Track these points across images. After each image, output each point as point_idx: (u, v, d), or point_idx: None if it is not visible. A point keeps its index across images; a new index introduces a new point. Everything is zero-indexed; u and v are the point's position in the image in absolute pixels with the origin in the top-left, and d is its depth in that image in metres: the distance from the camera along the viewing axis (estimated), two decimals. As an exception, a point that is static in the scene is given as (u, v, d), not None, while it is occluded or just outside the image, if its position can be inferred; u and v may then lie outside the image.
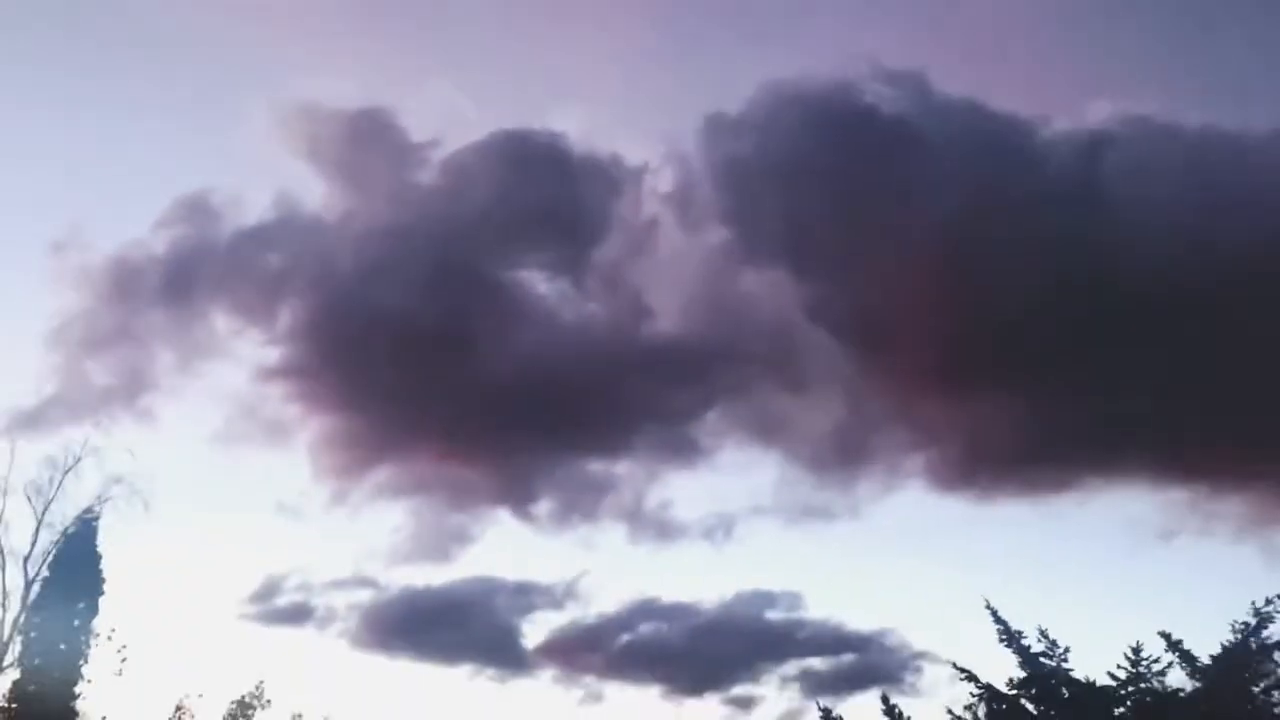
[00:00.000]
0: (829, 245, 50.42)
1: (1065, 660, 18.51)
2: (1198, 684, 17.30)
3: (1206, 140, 47.10)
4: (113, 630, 34.84)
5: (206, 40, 66.48)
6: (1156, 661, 18.20)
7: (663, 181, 55.42)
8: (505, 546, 64.46)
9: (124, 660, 34.66)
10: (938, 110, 49.51)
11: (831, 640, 52.31)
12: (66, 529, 35.25)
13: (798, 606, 54.80)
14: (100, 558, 35.34)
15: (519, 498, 54.78)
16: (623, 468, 56.63)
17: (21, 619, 34.46)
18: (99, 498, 35.75)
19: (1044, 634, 18.71)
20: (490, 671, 54.64)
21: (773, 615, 54.97)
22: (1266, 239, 41.03)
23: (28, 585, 34.80)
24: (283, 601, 53.18)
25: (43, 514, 35.47)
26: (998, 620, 18.66)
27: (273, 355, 52.38)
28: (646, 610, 55.40)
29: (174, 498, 56.09)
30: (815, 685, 50.61)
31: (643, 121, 78.14)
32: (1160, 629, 17.75)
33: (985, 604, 19.00)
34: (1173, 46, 65.69)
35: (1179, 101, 65.94)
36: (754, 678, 52.26)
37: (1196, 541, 48.26)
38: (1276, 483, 42.91)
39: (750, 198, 50.84)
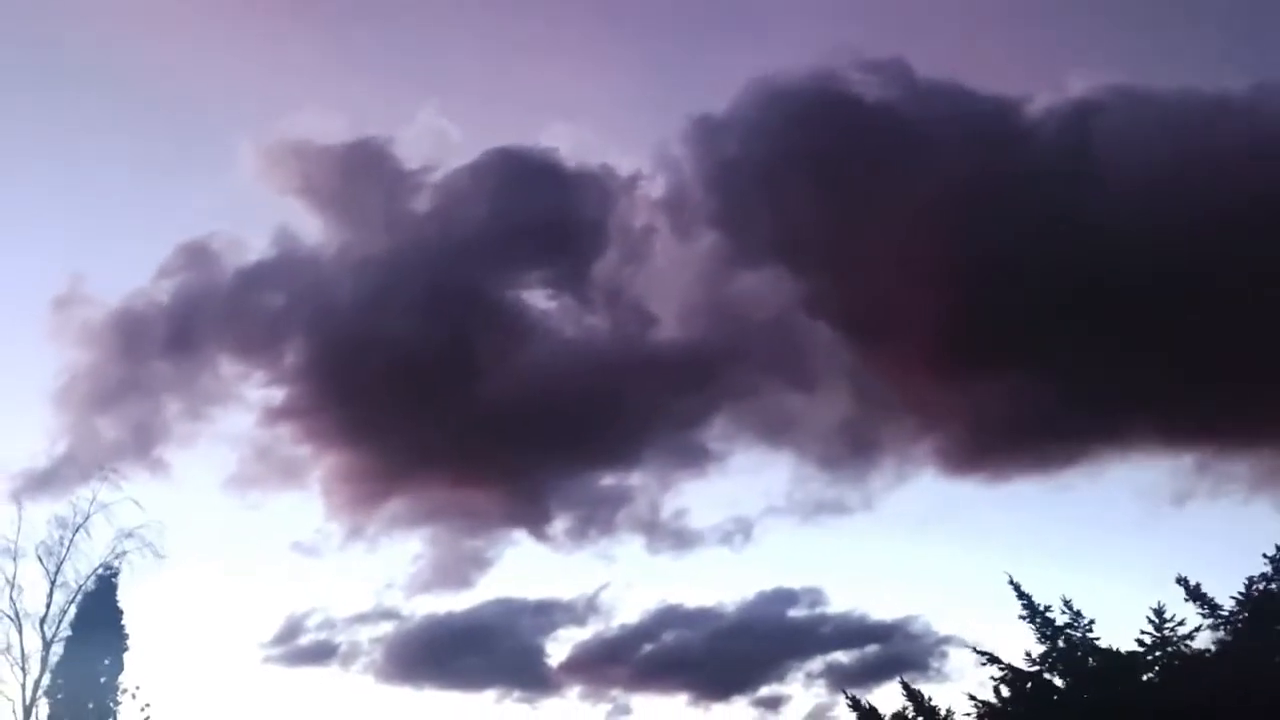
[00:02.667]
0: (823, 238, 50.41)
1: (1090, 631, 18.50)
2: (1222, 636, 17.22)
3: (1188, 104, 47.07)
4: (137, 687, 34.80)
5: (194, 85, 66.48)
6: (1182, 624, 18.20)
7: (655, 189, 55.33)
8: (524, 567, 64.16)
9: (147, 719, 34.59)
10: (920, 95, 49.53)
11: (855, 632, 52.00)
12: (83, 586, 35.27)
13: (820, 602, 54.57)
14: (121, 613, 35.32)
15: (534, 517, 54.63)
16: (636, 479, 56.49)
17: (45, 681, 34.44)
18: (112, 553, 35.76)
19: (1068, 605, 18.70)
20: (517, 693, 54.38)
21: (795, 613, 54.71)
22: (1257, 198, 41.00)
23: (46, 647, 34.76)
24: (305, 641, 53.01)
25: (55, 574, 35.43)
26: (1021, 595, 18.68)
27: (279, 395, 52.25)
28: (669, 618, 55.19)
29: (191, 546, 56.44)
30: (842, 679, 50.31)
31: (630, 131, 78.17)
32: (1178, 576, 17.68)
33: (1009, 579, 19.02)
34: (1146, 13, 65.51)
35: (1157, 68, 65.83)
36: (780, 677, 52.03)
37: (1210, 504, 47.95)
38: (1282, 440, 42.79)
39: (741, 197, 50.86)
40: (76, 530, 35.89)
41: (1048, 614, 18.49)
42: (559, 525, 54.05)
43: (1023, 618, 18.61)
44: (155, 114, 68.56)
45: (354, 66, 68.20)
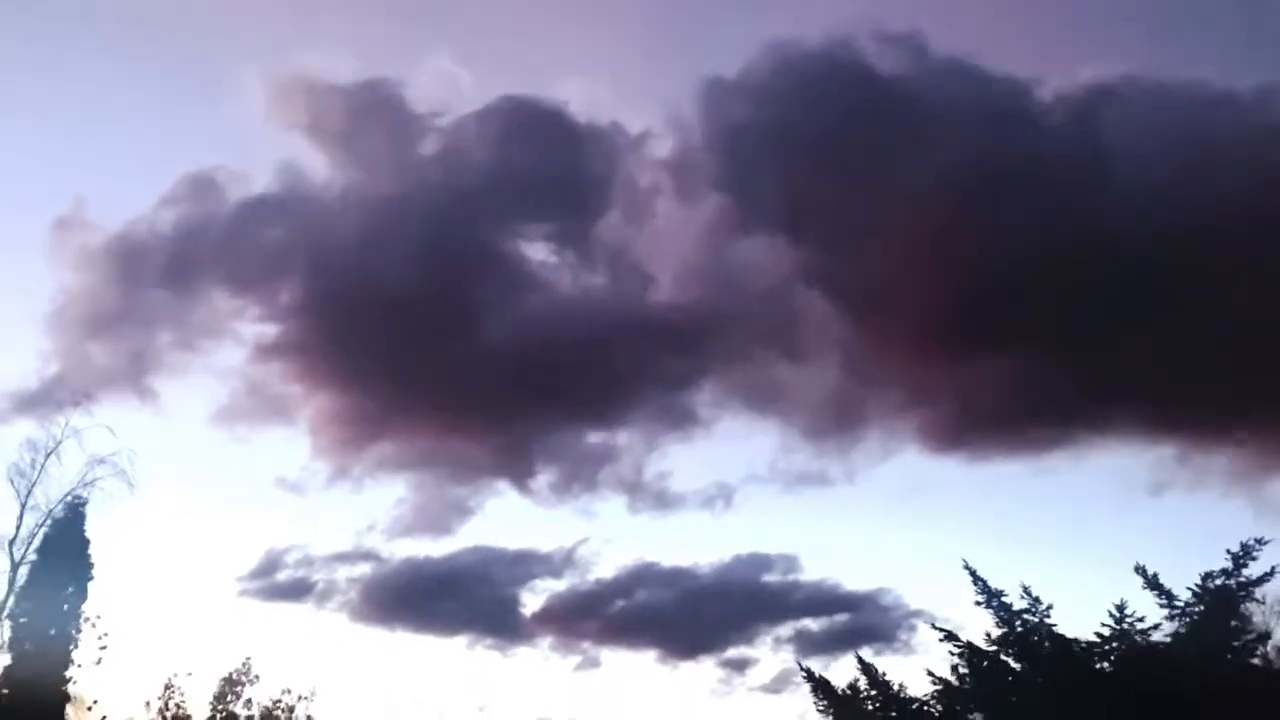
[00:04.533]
0: (825, 209, 50.20)
1: (1048, 616, 18.48)
2: (1178, 629, 17.23)
3: (1197, 99, 46.73)
4: (97, 616, 34.58)
5: (206, 16, 66.17)
6: (1142, 620, 18.20)
7: (661, 148, 54.99)
8: (506, 518, 64.85)
9: (104, 648, 34.31)
10: (934, 72, 49.13)
11: (827, 601, 52.55)
12: (52, 512, 34.99)
13: (794, 570, 55.07)
14: (88, 542, 34.92)
15: (519, 469, 54.93)
16: (622, 438, 56.92)
17: (10, 604, 34.30)
18: (82, 480, 35.51)
19: (1026, 591, 18.70)
20: (488, 640, 54.87)
21: (769, 578, 55.29)
22: (1256, 198, 40.82)
23: (14, 569, 34.50)
24: (283, 577, 53.40)
25: (26, 497, 35.05)
26: (976, 579, 18.65)
27: (273, 332, 52.29)
28: (644, 576, 55.74)
29: (175, 477, 56.60)
30: (809, 646, 50.96)
31: (643, 88, 77.57)
32: (1138, 565, 17.65)
33: (964, 564, 18.98)
34: (1161, 6, 64.99)
35: (1169, 61, 65.51)
36: (749, 640, 52.65)
37: (1187, 496, 48.29)
38: (1265, 436, 42.88)
39: (747, 162, 50.52)
40: (49, 455, 35.61)
41: (1004, 598, 18.45)
42: (543, 479, 54.39)
43: (978, 602, 18.58)
44: (167, 43, 68.85)
45: (368, 7, 67.79)
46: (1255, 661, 17.10)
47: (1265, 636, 17.34)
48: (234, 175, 53.22)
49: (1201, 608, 16.99)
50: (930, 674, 20.24)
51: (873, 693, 21.22)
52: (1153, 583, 17.46)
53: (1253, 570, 17.04)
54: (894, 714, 21.19)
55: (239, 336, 53.38)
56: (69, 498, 35.12)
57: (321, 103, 52.90)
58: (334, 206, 52.00)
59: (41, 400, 38.07)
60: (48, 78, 66.81)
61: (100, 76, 67.69)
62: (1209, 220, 42.15)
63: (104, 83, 67.20)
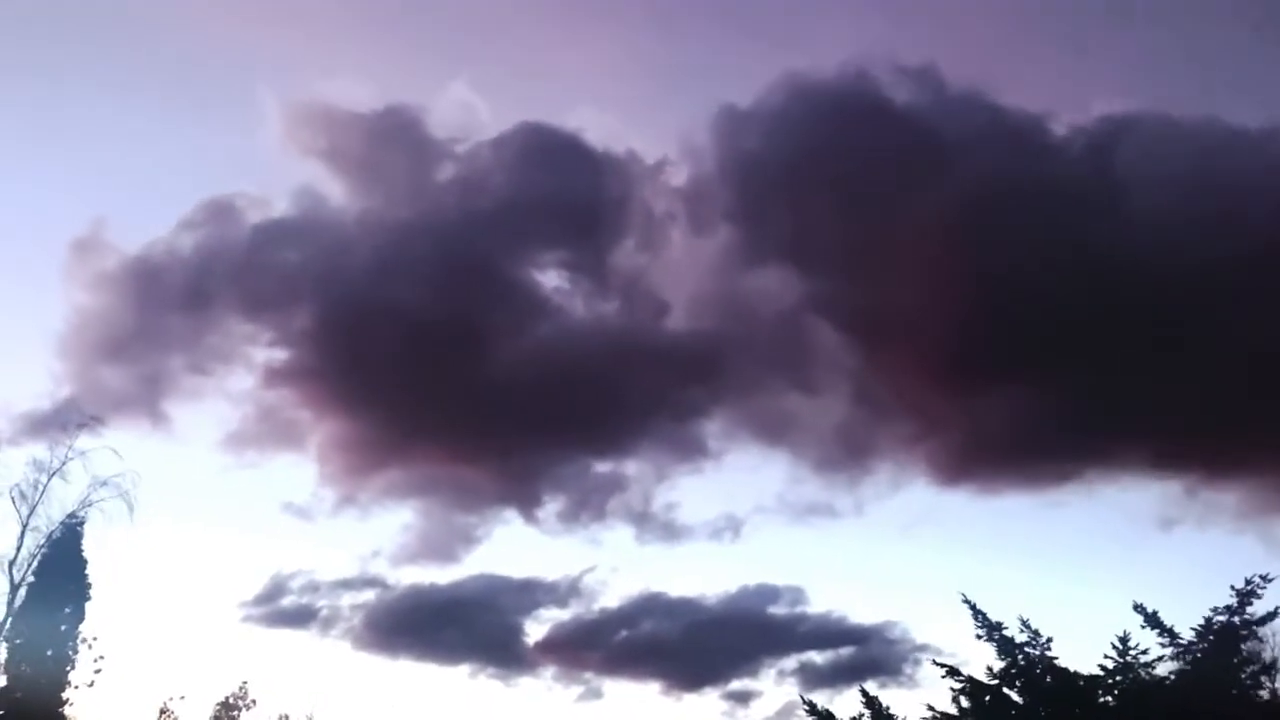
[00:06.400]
0: (837, 239, 50.25)
1: (1049, 649, 18.16)
2: (1182, 664, 16.91)
3: (1209, 134, 46.72)
4: (94, 638, 34.40)
5: (228, 43, 67.29)
6: (1145, 653, 17.89)
7: (675, 177, 55.17)
8: (512, 546, 64.57)
9: (99, 671, 34.17)
10: (949, 104, 49.28)
11: (833, 634, 52.10)
12: (51, 533, 34.89)
13: (801, 601, 54.61)
14: (86, 562, 34.80)
15: (526, 498, 54.81)
16: (631, 468, 56.76)
17: (8, 625, 34.11)
18: (84, 501, 35.39)
19: (1026, 624, 18.40)
20: (491, 669, 54.43)
21: (775, 610, 54.76)
22: (1266, 232, 40.71)
23: (13, 590, 34.35)
24: (287, 602, 53.14)
25: (28, 518, 34.99)
26: (976, 613, 18.36)
27: (284, 357, 52.48)
28: (650, 606, 55.31)
29: (185, 500, 56.63)
30: (814, 679, 50.43)
31: (658, 117, 78.35)
32: (1136, 603, 17.35)
33: (963, 598, 18.69)
34: (1175, 43, 65.15)
35: (1182, 97, 65.58)
36: (753, 672, 52.13)
37: (1197, 531, 47.84)
38: (1276, 472, 42.47)
39: (759, 192, 50.80)
40: (51, 475, 35.52)
41: (1004, 632, 18.15)
42: (550, 508, 54.29)
43: (979, 636, 18.27)
44: (190, 70, 70.13)
45: (388, 37, 68.65)
46: (1263, 694, 16.74)
47: (1271, 669, 17.00)
48: (252, 200, 53.92)
49: (1206, 645, 16.67)
50: (931, 708, 19.87)
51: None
52: (1153, 620, 17.20)
53: (1258, 607, 16.79)
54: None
55: (251, 361, 53.52)
56: (67, 518, 35.02)
57: (340, 129, 53.42)
58: (349, 232, 52.45)
59: (52, 422, 37.94)
60: (70, 101, 67.63)
61: (122, 101, 68.66)
62: (1220, 254, 42.04)
63: (126, 107, 68.22)
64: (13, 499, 35.19)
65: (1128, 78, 65.55)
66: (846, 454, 52.91)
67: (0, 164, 65.61)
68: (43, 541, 35.08)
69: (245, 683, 37.83)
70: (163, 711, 36.22)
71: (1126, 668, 17.96)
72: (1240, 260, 41.38)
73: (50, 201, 66.25)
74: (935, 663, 19.25)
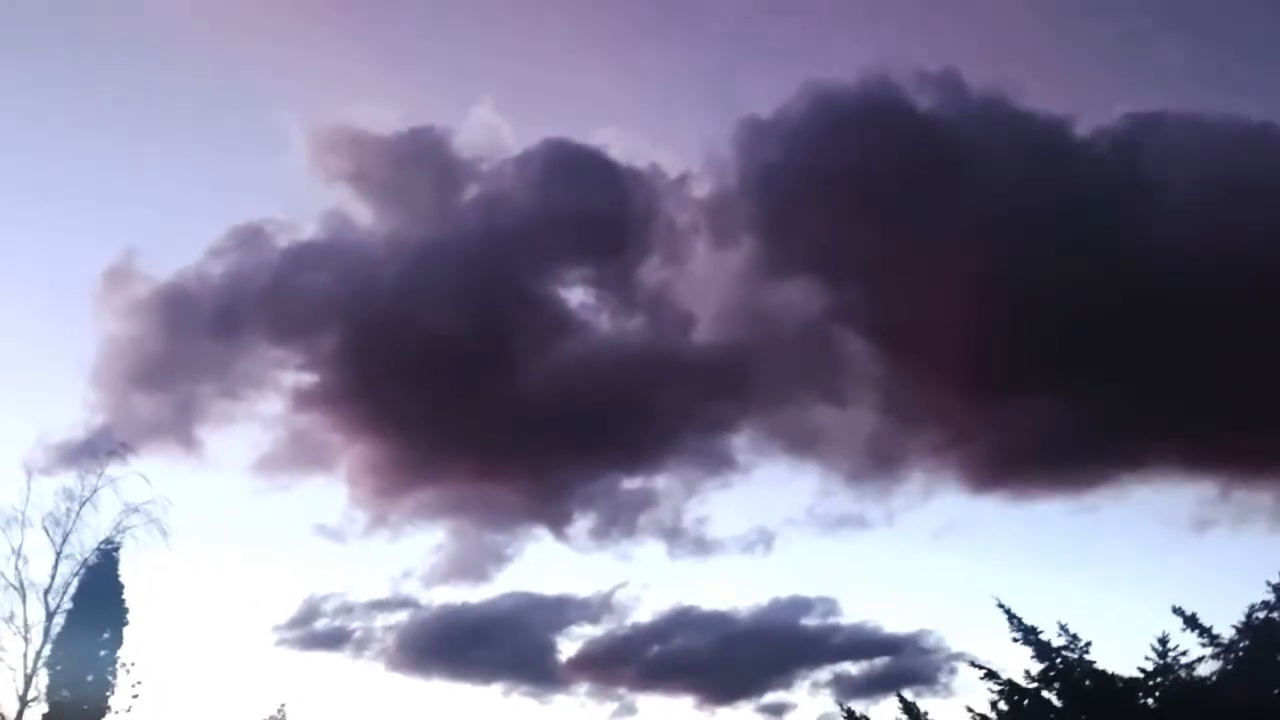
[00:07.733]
0: (862, 249, 50.03)
1: (1087, 653, 17.96)
2: (1223, 664, 16.68)
3: (1236, 132, 46.31)
4: (132, 663, 34.73)
5: (254, 69, 68.39)
6: (1185, 654, 17.67)
7: (699, 189, 55.17)
8: (544, 564, 64.65)
9: (136, 696, 34.48)
10: (972, 110, 49.08)
11: (867, 644, 51.86)
12: (86, 560, 35.25)
13: (834, 612, 54.37)
14: (122, 587, 35.28)
15: (557, 516, 54.80)
16: (660, 483, 56.62)
17: (46, 652, 34.46)
18: (117, 528, 35.73)
19: (1064, 628, 18.19)
20: (524, 688, 54.39)
21: (808, 621, 54.55)
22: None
23: (49, 618, 34.80)
24: (320, 625, 53.44)
25: (61, 546, 35.47)
26: (1011, 618, 18.20)
27: (314, 380, 52.75)
28: (682, 620, 55.19)
29: (218, 525, 57.14)
30: (849, 690, 50.12)
31: (680, 130, 78.52)
32: (1175, 606, 17.15)
33: (997, 602, 18.53)
34: (1199, 42, 64.74)
35: (1207, 94, 65.11)
36: (787, 685, 51.86)
37: (1232, 532, 47.23)
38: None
39: (783, 203, 50.59)
40: (84, 503, 35.96)
41: (1040, 636, 17.97)
42: (581, 525, 54.30)
43: (1015, 639, 18.10)
44: (216, 98, 70.83)
45: (411, 61, 69.60)
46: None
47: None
48: (281, 226, 54.34)
49: (1247, 643, 16.45)
50: (970, 710, 19.70)
51: (914, 733, 20.64)
52: (1192, 622, 16.98)
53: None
54: (935, 755, 20.63)
55: (281, 385, 53.89)
56: (102, 544, 35.37)
57: (366, 153, 53.77)
58: (377, 254, 52.71)
59: (84, 451, 38.36)
60: (100, 130, 68.60)
61: (150, 131, 69.49)
62: (1249, 253, 41.61)
63: (154, 137, 68.99)
64: (45, 528, 35.70)
65: (1153, 76, 65.08)
66: (876, 464, 52.70)
67: (31, 196, 66.63)
68: (78, 568, 35.51)
69: (283, 705, 38.17)
70: (198, 736, 36.51)
71: (1166, 669, 17.74)
72: (1270, 258, 40.98)
73: (81, 232, 67.27)
74: (974, 664, 19.08)
